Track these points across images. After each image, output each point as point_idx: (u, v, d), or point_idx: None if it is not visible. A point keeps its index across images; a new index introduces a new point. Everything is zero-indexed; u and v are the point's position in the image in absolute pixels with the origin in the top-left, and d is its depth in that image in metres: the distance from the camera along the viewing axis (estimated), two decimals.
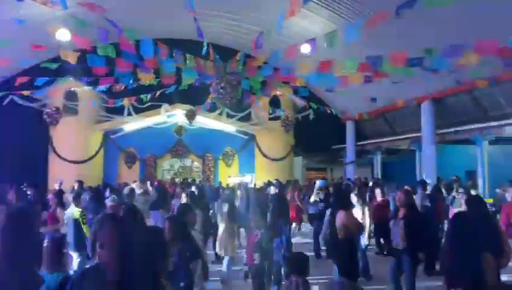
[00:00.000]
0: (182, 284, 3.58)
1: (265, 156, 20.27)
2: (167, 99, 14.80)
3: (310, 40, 8.02)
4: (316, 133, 19.29)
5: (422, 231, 5.26)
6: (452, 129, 14.79)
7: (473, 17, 10.27)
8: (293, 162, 21.33)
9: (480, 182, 14.05)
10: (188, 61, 8.67)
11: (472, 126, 13.84)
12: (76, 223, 5.99)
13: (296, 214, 11.38)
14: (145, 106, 15.00)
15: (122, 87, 10.46)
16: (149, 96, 12.74)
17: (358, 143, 20.77)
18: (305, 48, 8.51)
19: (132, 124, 18.48)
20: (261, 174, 19.27)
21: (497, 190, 12.02)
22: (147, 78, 9.54)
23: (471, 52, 6.32)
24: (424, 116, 15.26)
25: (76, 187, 9.60)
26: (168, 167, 21.33)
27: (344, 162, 21.71)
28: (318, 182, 9.88)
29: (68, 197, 9.26)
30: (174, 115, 18.01)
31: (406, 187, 6.86)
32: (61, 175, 14.97)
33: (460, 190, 11.06)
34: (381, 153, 20.04)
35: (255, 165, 20.33)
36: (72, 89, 16.15)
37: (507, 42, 6.43)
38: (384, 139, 19.12)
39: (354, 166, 20.71)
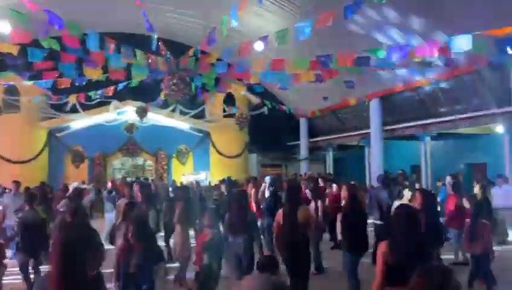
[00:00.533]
0: (144, 287, 3.47)
1: (220, 153, 20.19)
2: (117, 96, 14.26)
3: (263, 38, 8.08)
4: (270, 130, 19.50)
5: (360, 225, 5.38)
6: (398, 126, 15.53)
7: (415, 19, 10.83)
8: (248, 159, 21.43)
9: (423, 175, 14.92)
10: (138, 57, 8.41)
11: (416, 123, 14.63)
12: None
13: (257, 210, 11.41)
14: (94, 102, 14.36)
15: (68, 84, 9.94)
16: (99, 92, 12.20)
17: (312, 140, 21.26)
18: (259, 46, 8.56)
19: (80, 122, 17.66)
20: (216, 172, 19.20)
21: (438, 183, 12.82)
22: (94, 74, 9.13)
23: (413, 52, 6.65)
24: (372, 114, 15.91)
25: (13, 189, 9.00)
26: (119, 166, 20.64)
27: (298, 158, 22.14)
28: (266, 179, 9.99)
29: (5, 199, 8.73)
30: (125, 112, 17.43)
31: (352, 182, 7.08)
32: (2, 176, 14.03)
33: (406, 183, 11.68)
34: (333, 150, 20.66)
35: (210, 163, 20.20)
36: (12, 83, 15.12)
37: (447, 43, 6.84)
38: (336, 136, 19.71)
39: (308, 162, 21.18)
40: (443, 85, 13.14)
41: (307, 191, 8.49)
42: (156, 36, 8.32)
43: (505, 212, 9.50)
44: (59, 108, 16.24)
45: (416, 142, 15.87)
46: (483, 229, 5.49)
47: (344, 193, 5.77)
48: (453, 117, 13.07)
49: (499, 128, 12.53)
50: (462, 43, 5.92)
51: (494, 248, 5.89)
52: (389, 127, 15.80)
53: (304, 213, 4.76)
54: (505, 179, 10.01)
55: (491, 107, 11.81)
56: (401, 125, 15.38)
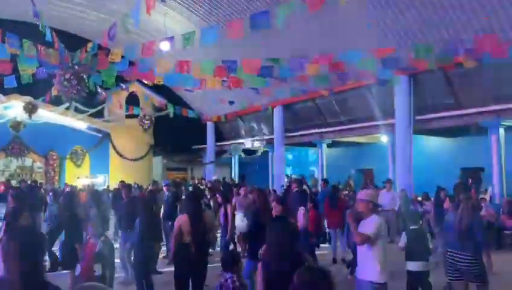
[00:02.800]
0: None
1: (121, 155, 19.16)
2: (1, 89, 12.64)
3: (169, 38, 7.91)
4: (176, 132, 19.10)
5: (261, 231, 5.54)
6: (298, 133, 16.44)
7: (314, 33, 11.62)
8: (152, 162, 20.68)
9: (320, 179, 15.97)
10: (26, 48, 7.55)
11: (314, 130, 15.65)
12: None
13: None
14: None
15: None
16: None
17: (218, 143, 21.36)
18: (164, 46, 8.36)
19: None
20: (116, 175, 18.11)
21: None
22: None
23: (311, 64, 7.11)
24: (276, 120, 16.61)
25: None
26: (2, 168, 18.29)
27: (203, 162, 22.05)
28: (163, 182, 9.90)
29: None
30: (11, 108, 15.55)
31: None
32: None
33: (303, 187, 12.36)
34: (238, 154, 21.01)
35: (109, 166, 19.01)
36: None
37: (339, 57, 7.45)
38: (242, 141, 20.10)
39: (214, 166, 21.22)
40: (338, 96, 14.28)
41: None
42: (46, 26, 7.57)
43: (390, 214, 10.63)
44: None
45: (314, 148, 16.98)
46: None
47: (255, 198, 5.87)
48: (345, 126, 14.30)
49: (384, 138, 14.03)
50: (352, 58, 6.49)
51: None
52: (290, 134, 16.64)
53: (208, 218, 4.77)
54: (390, 182, 11.13)
55: (377, 119, 13.17)
56: (300, 133, 16.31)
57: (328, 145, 16.38)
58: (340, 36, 11.29)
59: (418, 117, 12.05)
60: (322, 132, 15.38)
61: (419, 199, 11.48)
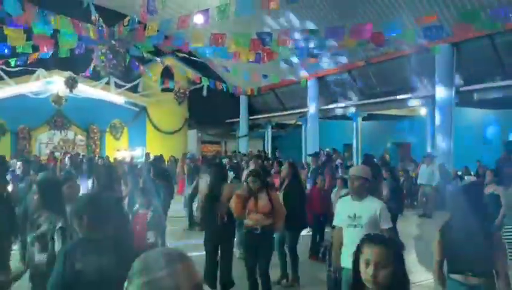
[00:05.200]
0: None
1: (157, 129, 19.65)
2: (42, 64, 13.14)
3: (203, 11, 7.86)
4: (210, 106, 19.24)
5: (301, 203, 5.55)
6: (333, 106, 16.15)
7: (349, 3, 11.17)
8: (187, 135, 21.09)
9: (354, 153, 15.78)
10: (66, 24, 7.75)
11: (349, 103, 15.32)
12: None
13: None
14: (16, 70, 13.08)
15: None
16: (21, 60, 11.10)
17: (251, 117, 21.40)
18: (199, 19, 8.32)
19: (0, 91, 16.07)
20: (153, 148, 18.65)
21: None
22: (17, 38, 8.26)
23: (348, 35, 6.89)
24: (309, 94, 16.36)
25: None
26: (46, 140, 19.24)
27: (237, 135, 22.23)
28: (188, 155, 10.07)
29: None
30: (52, 83, 16.17)
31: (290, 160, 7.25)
32: None
33: (338, 161, 12.29)
34: (271, 128, 21.01)
35: (146, 139, 19.58)
36: None
37: (379, 27, 7.17)
38: (275, 114, 20.04)
39: (247, 139, 21.36)
40: (374, 68, 13.82)
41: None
42: (88, 1, 7.73)
43: (428, 189, 10.43)
44: None
45: (349, 121, 16.66)
46: None
47: (284, 171, 5.88)
48: (382, 99, 13.87)
49: (422, 111, 13.54)
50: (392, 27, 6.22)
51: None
52: (324, 107, 16.38)
53: (228, 189, 4.81)
54: (431, 157, 10.82)
55: (416, 91, 12.69)
56: (335, 106, 16.02)
57: (364, 118, 16.03)
58: (379, 4, 10.81)
59: (461, 88, 11.50)
60: (357, 105, 15.03)
61: (459, 173, 11.16)
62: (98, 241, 2.22)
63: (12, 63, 10.72)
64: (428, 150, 12.40)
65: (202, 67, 17.02)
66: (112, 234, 2.31)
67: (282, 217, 4.58)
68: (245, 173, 8.51)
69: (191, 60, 13.41)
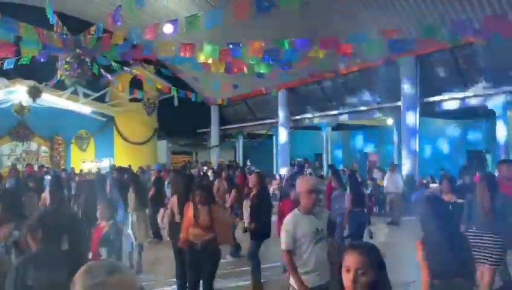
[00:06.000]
0: None
1: (126, 139, 19.21)
2: (3, 73, 12.62)
3: (173, 21, 7.78)
4: (180, 116, 19.03)
5: (266, 213, 5.59)
6: (303, 116, 16.35)
7: (317, 16, 11.40)
8: (156, 145, 20.72)
9: (325, 163, 15.99)
10: (29, 31, 7.47)
11: (319, 113, 15.55)
12: None
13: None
14: None
15: None
16: None
17: (222, 127, 21.33)
18: (168, 28, 8.24)
19: None
20: (121, 159, 18.18)
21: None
22: None
23: (317, 46, 7.00)
24: (281, 104, 16.51)
25: None
26: (8, 152, 18.39)
27: (208, 145, 22.08)
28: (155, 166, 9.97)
29: None
30: (15, 92, 15.52)
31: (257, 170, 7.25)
32: None
33: (309, 170, 12.39)
34: (243, 138, 21.00)
35: (113, 150, 19.09)
36: None
37: (346, 39, 7.33)
38: (246, 124, 20.06)
39: (218, 150, 21.24)
40: (343, 79, 14.13)
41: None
42: (51, 8, 7.49)
43: (393, 196, 10.66)
44: None
45: (319, 131, 16.91)
46: None
47: (252, 181, 5.87)
48: (350, 109, 14.17)
49: (389, 121, 13.93)
50: (359, 40, 6.37)
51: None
52: (295, 117, 16.55)
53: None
54: (395, 166, 11.12)
55: (383, 102, 13.05)
56: (305, 116, 16.22)
57: (333, 129, 16.30)
58: (346, 17, 11.09)
59: (424, 99, 11.92)
60: (326, 115, 15.28)
61: (425, 182, 11.49)
62: (52, 255, 2.14)
63: None
64: (395, 159, 12.73)
65: (172, 77, 16.83)
66: (66, 248, 2.26)
67: (226, 230, 4.47)
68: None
69: (159, 69, 13.25)
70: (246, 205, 5.77)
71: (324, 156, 16.09)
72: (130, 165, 14.49)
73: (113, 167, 12.17)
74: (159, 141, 21.05)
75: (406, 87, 11.95)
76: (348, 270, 1.75)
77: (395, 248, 7.02)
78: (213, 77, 13.66)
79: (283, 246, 3.10)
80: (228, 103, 17.84)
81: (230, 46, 8.23)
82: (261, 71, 9.99)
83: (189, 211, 4.34)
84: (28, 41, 7.85)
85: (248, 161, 19.02)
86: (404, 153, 12.06)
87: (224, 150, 22.08)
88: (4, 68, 10.07)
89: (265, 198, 5.75)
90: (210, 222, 4.21)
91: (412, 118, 11.87)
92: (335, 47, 6.76)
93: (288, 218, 3.20)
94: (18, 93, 15.42)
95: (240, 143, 20.99)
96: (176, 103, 14.53)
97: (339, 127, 16.48)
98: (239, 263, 6.63)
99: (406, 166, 11.81)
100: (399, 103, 12.26)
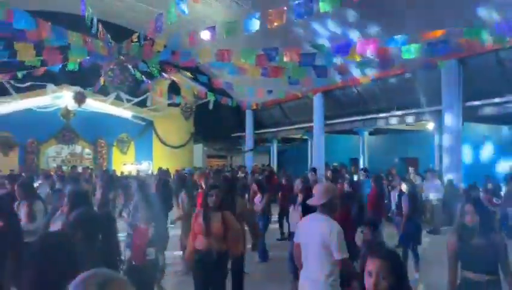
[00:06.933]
0: None
1: (164, 143, 19.75)
2: (52, 79, 13.35)
3: (210, 28, 7.94)
4: (216, 120, 19.38)
5: None
6: (339, 120, 16.14)
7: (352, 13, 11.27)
8: (193, 149, 21.16)
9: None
10: (75, 38, 7.88)
11: (355, 118, 15.30)
12: None
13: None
14: (25, 85, 13.30)
15: None
16: (29, 74, 11.26)
17: (257, 132, 21.45)
18: (205, 35, 8.42)
19: (7, 106, 16.27)
20: (159, 162, 18.72)
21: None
22: (26, 52, 8.40)
23: (355, 50, 6.92)
24: (316, 108, 16.39)
25: None
26: (53, 154, 19.40)
27: (243, 149, 22.26)
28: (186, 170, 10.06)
29: None
30: (62, 97, 16.38)
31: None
32: None
33: (346, 175, 12.21)
34: (277, 142, 21.02)
35: (152, 153, 19.67)
36: None
37: (385, 43, 7.19)
38: (280, 129, 20.06)
39: (252, 154, 21.36)
40: (381, 83, 13.84)
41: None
42: (95, 18, 7.86)
43: (433, 204, 10.31)
44: None
45: (355, 136, 16.63)
46: None
47: (298, 186, 5.87)
48: (389, 114, 13.84)
49: (430, 125, 13.49)
50: (399, 43, 6.24)
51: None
52: (330, 122, 16.38)
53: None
54: (433, 172, 10.78)
55: (422, 106, 12.66)
56: (341, 120, 16.01)
57: (370, 133, 15.99)
58: (385, 20, 10.89)
59: (467, 103, 11.45)
60: (363, 119, 15.01)
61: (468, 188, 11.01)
62: (89, 254, 2.36)
63: (19, 75, 10.85)
64: (436, 164, 12.31)
65: (208, 82, 17.15)
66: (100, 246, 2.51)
67: (240, 240, 4.04)
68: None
69: (196, 76, 13.56)
70: (293, 212, 5.70)
71: (361, 161, 15.80)
72: (167, 168, 14.90)
73: (160, 171, 12.47)
74: (195, 145, 21.48)
75: (448, 91, 11.53)
76: (370, 275, 1.87)
77: (434, 259, 6.79)
78: (248, 82, 13.79)
79: (345, 255, 2.96)
80: (263, 107, 17.92)
81: (266, 51, 8.29)
82: (297, 77, 9.96)
83: (199, 217, 3.90)
84: (75, 49, 8.29)
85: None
86: (445, 158, 11.62)
87: (259, 155, 22.18)
88: (50, 71, 10.66)
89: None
90: (224, 230, 3.80)
91: (454, 123, 11.42)
92: (374, 50, 6.65)
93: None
94: (64, 98, 16.26)
95: (274, 147, 21.02)
96: (211, 106, 14.79)
97: (377, 131, 16.15)
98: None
99: (448, 172, 11.38)
100: (440, 107, 11.85)
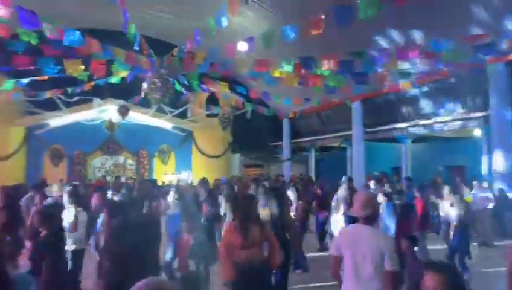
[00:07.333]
0: None
1: (202, 153, 20.09)
2: (97, 94, 14.02)
3: (248, 39, 8.03)
4: (253, 130, 19.50)
5: None
6: (379, 128, 15.73)
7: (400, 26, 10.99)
8: (230, 159, 21.36)
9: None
10: (120, 54, 8.24)
11: (397, 125, 14.85)
12: None
13: None
14: (74, 100, 14.07)
15: (46, 78, 9.65)
16: (78, 89, 11.91)
17: (294, 140, 21.33)
18: (242, 46, 8.52)
19: (58, 120, 17.23)
20: (198, 172, 19.02)
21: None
22: (75, 68, 8.87)
23: (395, 57, 6.75)
24: (354, 116, 16.08)
25: None
26: (99, 165, 20.26)
27: (280, 159, 22.19)
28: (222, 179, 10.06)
29: None
30: (106, 110, 17.13)
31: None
32: None
33: (386, 185, 11.82)
34: (315, 151, 20.78)
35: (191, 163, 20.06)
36: None
37: (429, 47, 6.96)
38: (318, 137, 19.84)
39: (290, 163, 21.24)
40: (423, 89, 13.38)
41: (289, 192, 8.57)
42: (138, 33, 8.19)
43: (482, 214, 9.75)
44: (38, 105, 15.84)
45: (397, 144, 16.11)
46: None
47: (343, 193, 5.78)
48: (432, 120, 13.33)
49: (477, 132, 12.84)
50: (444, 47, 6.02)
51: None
52: (370, 129, 16.00)
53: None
54: (480, 182, 10.21)
55: (469, 111, 12.10)
56: (382, 128, 15.59)
57: (413, 140, 15.45)
58: (427, 24, 10.56)
59: None
60: (406, 127, 14.53)
61: None
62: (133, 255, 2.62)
63: (69, 90, 11.48)
64: (484, 172, 11.68)
65: (245, 94, 17.35)
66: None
67: (278, 251, 3.83)
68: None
69: (234, 86, 13.75)
70: (334, 219, 5.61)
71: (403, 169, 15.28)
72: (206, 178, 15.08)
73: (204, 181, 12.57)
74: (233, 155, 21.67)
75: (496, 96, 10.96)
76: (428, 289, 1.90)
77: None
78: (285, 91, 13.78)
79: (397, 267, 2.87)
80: (300, 116, 17.81)
81: (303, 60, 8.25)
82: (335, 85, 9.83)
83: (236, 230, 3.67)
84: (119, 64, 8.66)
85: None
86: (495, 166, 11.00)
87: (296, 164, 22.02)
88: (96, 86, 11.19)
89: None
90: (262, 240, 3.68)
91: (503, 129, 10.81)
92: (416, 56, 6.45)
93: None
94: (109, 111, 16.98)
95: (311, 156, 20.79)
96: (248, 116, 14.90)
97: (420, 138, 15.58)
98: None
99: (498, 180, 10.75)
100: (487, 113, 11.27)
